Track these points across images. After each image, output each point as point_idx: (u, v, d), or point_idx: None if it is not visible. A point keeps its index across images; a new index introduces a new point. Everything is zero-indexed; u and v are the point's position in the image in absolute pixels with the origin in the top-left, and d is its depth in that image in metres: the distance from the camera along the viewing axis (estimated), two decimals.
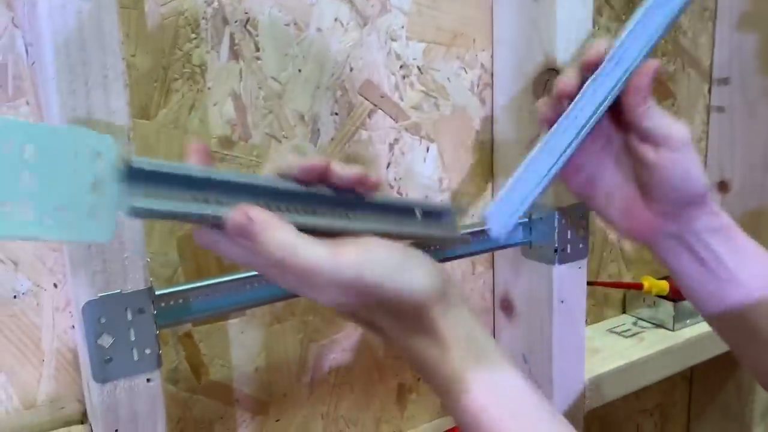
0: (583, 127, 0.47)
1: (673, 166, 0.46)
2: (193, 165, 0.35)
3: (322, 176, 0.37)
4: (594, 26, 0.75)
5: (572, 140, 0.47)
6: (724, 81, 0.89)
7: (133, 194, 0.32)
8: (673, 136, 0.46)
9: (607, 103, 0.47)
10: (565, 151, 0.47)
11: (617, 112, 0.49)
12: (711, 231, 0.49)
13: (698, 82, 0.89)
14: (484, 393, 0.37)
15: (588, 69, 0.47)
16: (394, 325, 0.37)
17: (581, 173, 0.52)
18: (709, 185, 0.49)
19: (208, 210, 0.34)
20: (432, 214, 0.45)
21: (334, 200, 0.38)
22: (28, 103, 0.45)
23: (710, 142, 0.92)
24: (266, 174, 0.37)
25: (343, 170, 0.38)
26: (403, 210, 0.43)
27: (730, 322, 0.50)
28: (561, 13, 0.60)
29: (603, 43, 0.48)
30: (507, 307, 0.70)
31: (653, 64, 0.47)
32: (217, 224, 0.34)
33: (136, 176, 0.32)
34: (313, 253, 0.34)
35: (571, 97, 0.47)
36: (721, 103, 0.90)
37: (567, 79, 0.48)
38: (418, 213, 0.43)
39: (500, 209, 0.48)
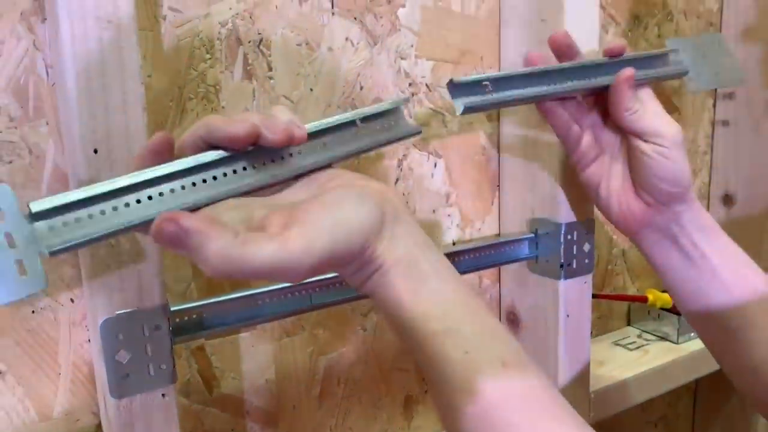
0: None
1: (662, 159, 0.51)
2: (97, 184, 0.33)
3: (252, 142, 0.36)
4: (600, 43, 0.76)
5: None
6: (730, 95, 0.90)
7: (46, 236, 0.31)
8: (664, 134, 0.51)
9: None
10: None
11: None
12: (696, 227, 0.52)
13: (703, 96, 0.90)
14: (416, 305, 0.36)
15: (607, 54, 0.54)
16: (351, 270, 0.37)
17: (594, 162, 0.55)
18: (691, 182, 0.53)
19: (123, 220, 0.33)
20: (374, 117, 0.44)
21: (266, 151, 0.37)
22: (47, 124, 0.47)
23: (715, 156, 0.93)
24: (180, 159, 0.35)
25: (270, 134, 0.36)
26: (343, 127, 0.42)
27: (709, 320, 0.52)
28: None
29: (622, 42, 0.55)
30: (513, 320, 0.71)
31: (626, 73, 0.52)
32: (143, 230, 0.33)
33: (42, 217, 0.31)
34: (262, 251, 0.32)
35: (560, 48, 0.55)
36: (726, 117, 0.91)
37: (563, 34, 0.54)
38: (357, 122, 0.42)
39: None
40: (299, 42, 0.56)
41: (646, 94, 0.54)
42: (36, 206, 0.31)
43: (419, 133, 0.47)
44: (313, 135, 0.40)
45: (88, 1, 0.39)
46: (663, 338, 0.82)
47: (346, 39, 0.58)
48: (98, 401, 0.50)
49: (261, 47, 0.54)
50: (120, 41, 0.40)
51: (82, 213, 0.32)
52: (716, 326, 0.52)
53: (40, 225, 0.31)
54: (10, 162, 0.46)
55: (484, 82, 0.49)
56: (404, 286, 0.36)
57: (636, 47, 0.81)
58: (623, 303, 0.86)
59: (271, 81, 0.55)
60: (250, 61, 0.54)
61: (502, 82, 0.50)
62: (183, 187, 0.35)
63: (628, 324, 0.87)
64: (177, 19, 0.50)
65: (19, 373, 0.48)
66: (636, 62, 0.54)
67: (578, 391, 0.68)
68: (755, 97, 0.88)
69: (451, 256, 0.62)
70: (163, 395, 0.44)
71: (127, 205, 0.33)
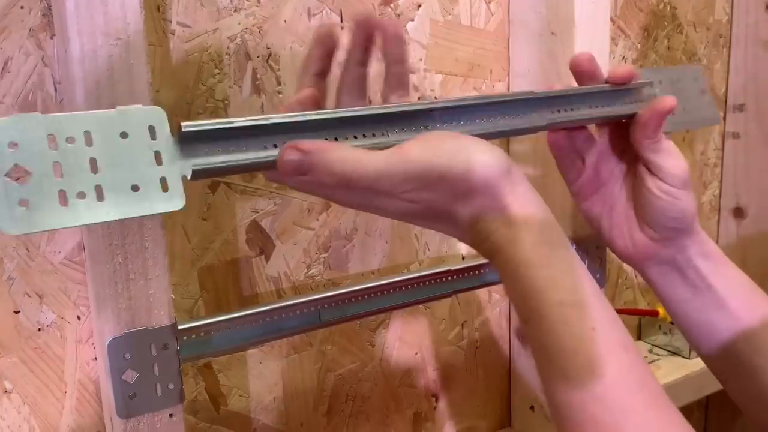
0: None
1: (671, 200, 0.49)
2: (239, 118, 0.35)
3: (332, 42, 0.40)
4: (610, 56, 0.76)
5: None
6: (740, 107, 0.89)
7: (191, 157, 0.33)
8: (675, 173, 0.48)
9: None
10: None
11: (628, 140, 0.51)
12: (702, 256, 0.51)
13: None
14: (546, 269, 0.36)
15: (613, 81, 0.50)
16: (464, 210, 0.36)
17: (595, 194, 0.54)
18: (696, 216, 0.51)
19: (263, 155, 0.35)
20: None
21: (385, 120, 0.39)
22: None
23: (725, 168, 0.92)
24: (310, 111, 0.38)
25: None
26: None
27: (716, 347, 0.50)
28: (579, 46, 0.60)
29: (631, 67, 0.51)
30: (523, 336, 0.70)
31: (667, 103, 0.48)
32: (272, 166, 0.36)
33: (189, 139, 0.33)
34: (376, 157, 0.34)
35: (581, 73, 0.50)
36: (737, 129, 0.90)
37: (587, 59, 0.50)
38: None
39: None
40: None
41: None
42: (186, 127, 0.33)
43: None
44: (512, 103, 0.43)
45: (98, 18, 0.38)
46: (674, 353, 0.81)
47: None
48: (105, 420, 0.49)
49: (270, 62, 0.54)
50: (129, 58, 0.40)
51: (231, 143, 0.34)
52: (723, 353, 0.51)
53: (188, 148, 0.33)
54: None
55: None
56: (535, 247, 0.36)
57: (646, 60, 0.80)
58: (634, 317, 0.85)
59: (280, 95, 0.55)
60: (259, 76, 0.54)
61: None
62: (326, 140, 0.36)
63: (639, 338, 0.86)
64: (186, 34, 0.50)
65: (25, 391, 0.47)
66: (605, 95, 0.50)
67: None
68: (766, 109, 0.88)
69: (461, 272, 0.61)
70: (170, 415, 0.44)
71: (274, 146, 0.35)
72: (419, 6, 0.61)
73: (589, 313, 0.36)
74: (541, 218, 0.37)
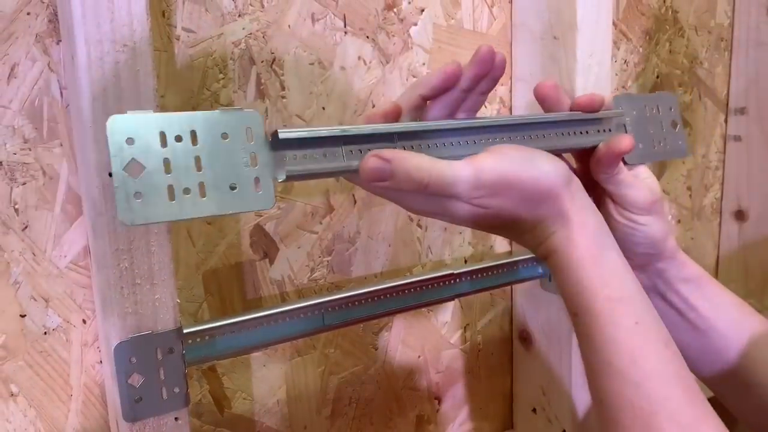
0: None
1: (636, 226, 0.48)
2: (326, 127, 0.38)
3: (457, 78, 0.41)
4: (612, 60, 0.76)
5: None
6: (741, 111, 0.89)
7: (283, 160, 0.35)
8: (636, 201, 0.47)
9: None
10: None
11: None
12: (682, 281, 0.50)
13: (715, 111, 0.90)
14: (597, 267, 0.40)
15: (575, 107, 0.47)
16: (528, 214, 0.40)
17: None
18: (674, 240, 0.50)
19: (346, 162, 0.37)
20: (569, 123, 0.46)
21: (445, 131, 0.41)
22: (61, 145, 0.47)
23: (727, 171, 0.92)
24: (394, 123, 0.41)
25: (470, 62, 0.41)
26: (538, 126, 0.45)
27: (710, 371, 0.51)
28: (581, 50, 0.61)
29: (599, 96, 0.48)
30: (525, 338, 0.71)
31: (623, 145, 0.46)
32: (354, 172, 0.38)
33: (283, 145, 0.35)
34: (452, 166, 0.37)
35: (546, 100, 0.48)
36: (738, 132, 0.90)
37: (551, 87, 0.48)
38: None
39: None
40: (312, 61, 0.56)
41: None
42: (283, 134, 0.35)
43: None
44: (519, 126, 0.43)
45: (104, 25, 0.39)
46: None
47: (359, 58, 0.58)
48: (110, 424, 0.50)
49: (274, 67, 0.54)
50: (136, 64, 0.40)
51: (319, 150, 0.37)
52: (716, 374, 0.51)
53: (281, 153, 0.35)
54: (24, 183, 0.46)
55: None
56: (588, 248, 0.40)
57: (648, 63, 0.81)
58: None
59: (284, 100, 0.55)
60: (263, 81, 0.54)
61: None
62: (404, 148, 0.39)
63: None
64: (190, 40, 0.50)
65: (31, 394, 0.48)
66: (573, 124, 0.47)
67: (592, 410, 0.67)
68: (767, 111, 0.88)
69: (464, 275, 0.61)
70: (176, 419, 0.44)
71: (360, 151, 0.38)
72: (422, 11, 0.61)
73: (633, 309, 0.39)
74: (594, 223, 0.41)
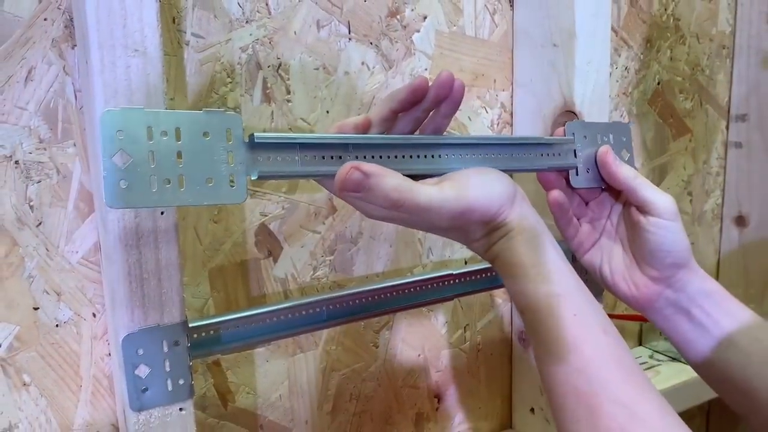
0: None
1: (664, 233, 0.51)
2: (302, 134, 0.41)
3: (423, 93, 0.44)
4: (612, 66, 0.77)
5: None
6: (742, 117, 0.90)
7: (258, 161, 0.38)
8: (660, 205, 0.51)
9: None
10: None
11: (616, 193, 0.54)
12: (704, 294, 0.52)
13: (716, 118, 0.91)
14: (536, 267, 0.44)
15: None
16: (478, 227, 0.44)
17: (594, 246, 0.56)
18: (690, 251, 0.52)
19: (320, 168, 0.40)
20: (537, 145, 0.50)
21: (424, 145, 0.44)
22: (75, 145, 0.49)
23: (728, 177, 0.93)
24: (367, 134, 0.44)
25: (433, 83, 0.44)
26: (504, 146, 0.48)
27: (731, 384, 0.51)
28: (579, 58, 0.62)
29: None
30: (525, 339, 0.72)
31: (601, 152, 0.53)
32: (327, 180, 0.41)
33: (259, 147, 0.38)
34: (426, 191, 0.41)
35: (558, 208, 0.53)
36: (739, 138, 0.91)
37: (560, 197, 0.53)
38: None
39: None
40: (317, 66, 0.58)
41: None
42: (258, 138, 0.38)
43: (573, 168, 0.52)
44: (473, 146, 0.46)
45: (117, 31, 0.41)
46: (675, 359, 0.82)
47: (362, 63, 0.60)
48: (117, 414, 0.52)
49: (280, 71, 0.56)
50: (146, 68, 0.42)
51: (291, 154, 0.40)
52: (741, 391, 0.51)
53: (255, 154, 0.38)
54: (39, 181, 0.48)
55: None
56: (528, 251, 0.43)
57: (649, 70, 0.82)
58: (635, 323, 0.86)
59: (289, 104, 0.57)
60: (269, 85, 0.56)
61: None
62: (372, 157, 0.42)
63: (640, 344, 0.87)
64: (199, 45, 0.52)
65: (43, 384, 0.50)
66: (521, 147, 0.49)
67: None
68: None
69: (464, 276, 0.63)
70: (180, 409, 0.46)
71: (331, 158, 0.41)
72: (425, 18, 0.63)
73: (572, 302, 0.42)
74: (532, 227, 0.44)
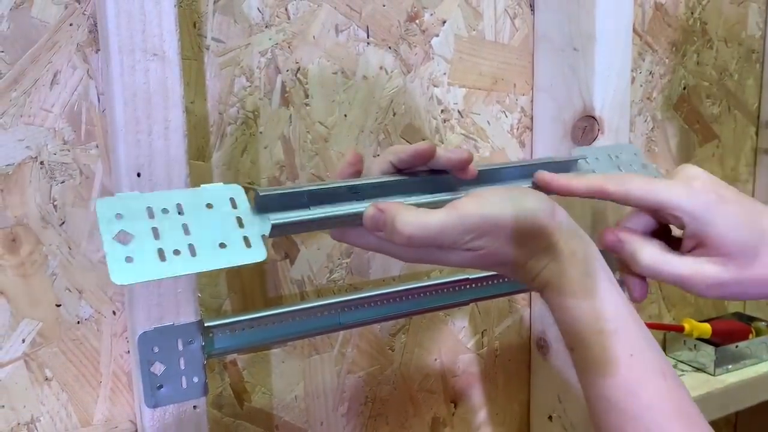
0: None
1: (711, 213, 0.44)
2: (307, 183, 0.41)
3: (426, 159, 0.42)
4: (636, 71, 0.76)
5: None
6: None
7: (269, 218, 0.38)
8: (677, 204, 0.44)
9: None
10: None
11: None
12: None
13: (744, 124, 0.89)
14: (590, 298, 0.39)
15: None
16: (518, 251, 0.40)
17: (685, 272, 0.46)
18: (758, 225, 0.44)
19: (332, 213, 0.40)
20: (547, 166, 0.48)
21: (435, 183, 0.43)
22: (97, 147, 0.50)
23: (757, 184, 0.91)
24: (369, 176, 0.43)
25: (445, 154, 0.42)
26: (513, 173, 0.48)
27: None
28: (599, 62, 0.61)
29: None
30: (543, 346, 0.71)
31: (536, 175, 0.48)
32: (344, 223, 0.41)
33: (267, 202, 0.38)
34: (437, 216, 0.38)
35: (614, 249, 0.46)
36: None
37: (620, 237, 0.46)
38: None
39: None
40: (335, 70, 0.58)
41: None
42: (263, 192, 0.38)
43: None
44: (484, 175, 0.45)
45: (137, 36, 0.42)
46: (699, 369, 0.81)
47: (380, 67, 0.60)
48: (135, 410, 0.53)
49: (298, 75, 0.57)
50: (165, 72, 0.43)
51: (300, 203, 0.39)
52: None
53: (263, 210, 0.38)
54: (63, 182, 0.49)
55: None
56: (580, 278, 0.39)
57: (674, 74, 0.81)
58: (658, 332, 0.84)
59: (307, 107, 0.58)
60: (287, 89, 0.57)
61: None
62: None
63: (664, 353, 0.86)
64: (219, 49, 0.53)
65: (64, 379, 0.51)
66: (535, 167, 0.49)
67: None
68: None
69: (481, 280, 0.62)
70: (194, 407, 0.47)
71: (338, 203, 0.41)
72: (444, 22, 0.63)
73: (628, 340, 0.39)
74: (584, 251, 0.40)
